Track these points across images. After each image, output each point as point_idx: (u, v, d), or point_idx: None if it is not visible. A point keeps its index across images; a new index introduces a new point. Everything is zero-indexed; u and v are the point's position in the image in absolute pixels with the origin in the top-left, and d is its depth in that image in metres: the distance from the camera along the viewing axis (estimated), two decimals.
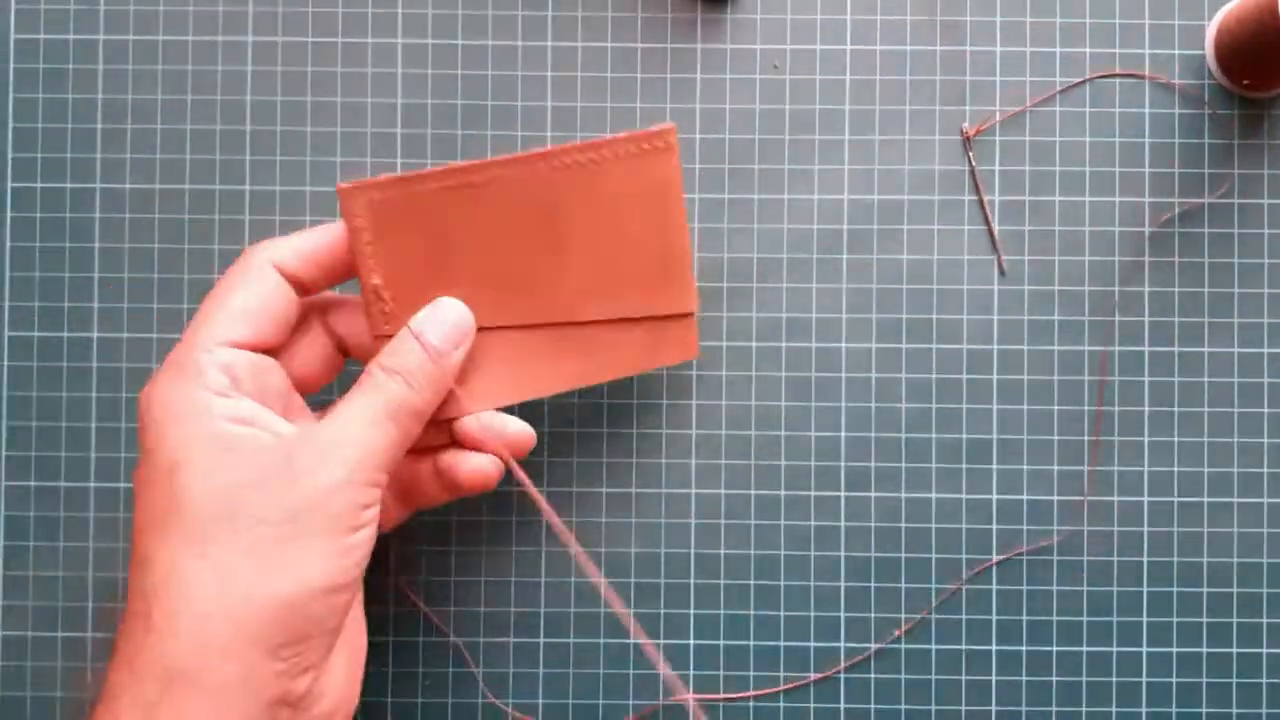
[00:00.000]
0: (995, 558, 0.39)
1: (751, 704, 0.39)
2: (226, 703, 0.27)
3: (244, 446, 0.29)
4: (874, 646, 0.39)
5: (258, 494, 0.29)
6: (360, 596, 0.34)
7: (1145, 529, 0.39)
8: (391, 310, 0.33)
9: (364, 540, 0.30)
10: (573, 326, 0.34)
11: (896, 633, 0.39)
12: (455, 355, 0.33)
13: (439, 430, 0.34)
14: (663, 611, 0.39)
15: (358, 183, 0.32)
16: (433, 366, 0.32)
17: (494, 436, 0.34)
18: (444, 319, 0.33)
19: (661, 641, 0.39)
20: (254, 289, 0.32)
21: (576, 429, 0.39)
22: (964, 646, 0.39)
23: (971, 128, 0.39)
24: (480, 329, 0.34)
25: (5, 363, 0.39)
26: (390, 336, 0.33)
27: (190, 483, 0.29)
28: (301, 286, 0.33)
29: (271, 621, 0.28)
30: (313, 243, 0.33)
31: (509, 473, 0.34)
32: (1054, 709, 0.39)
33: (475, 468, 0.34)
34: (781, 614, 0.39)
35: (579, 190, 0.33)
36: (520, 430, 0.34)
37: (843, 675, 0.39)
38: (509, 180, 0.33)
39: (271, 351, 0.32)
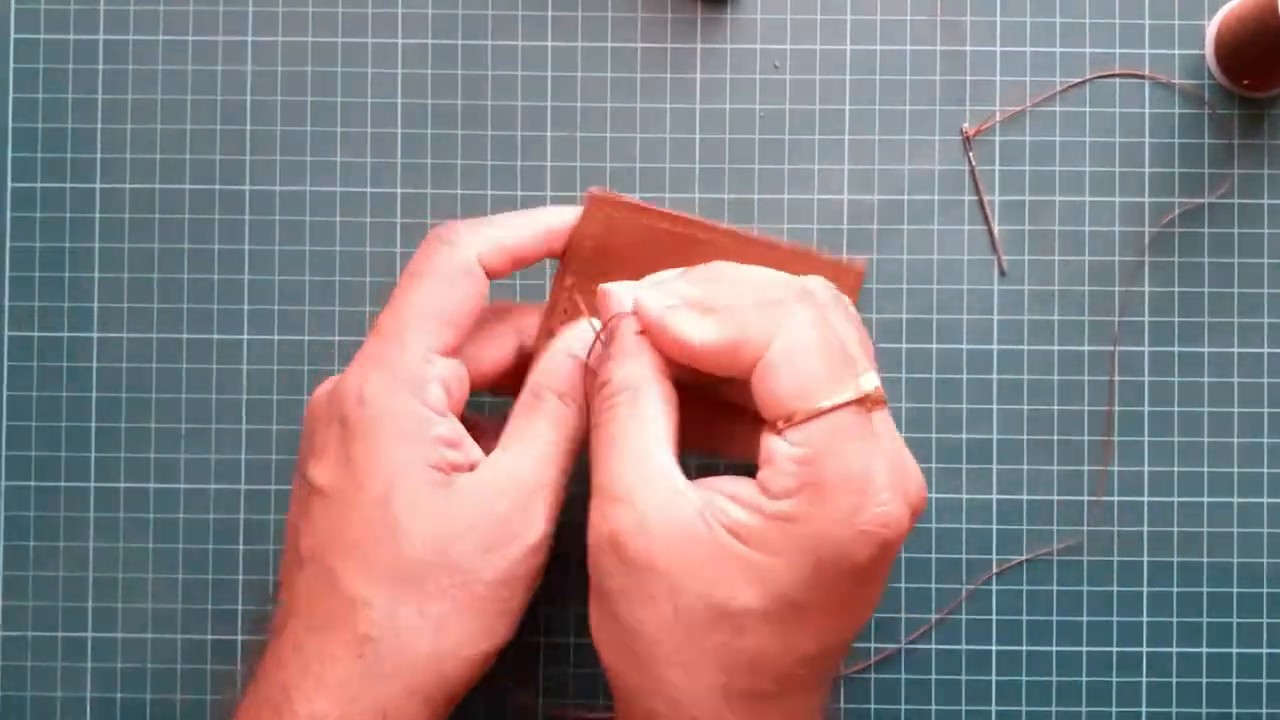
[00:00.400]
0: (1024, 556, 0.39)
1: None
2: None
3: (455, 488, 0.29)
4: (874, 647, 0.39)
5: (472, 548, 0.28)
6: None
7: (1145, 529, 0.39)
8: (568, 316, 0.33)
9: (527, 594, 0.30)
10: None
11: (912, 636, 0.39)
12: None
13: None
14: None
15: (605, 196, 0.32)
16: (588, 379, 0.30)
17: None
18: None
19: None
20: (463, 291, 0.30)
21: None
22: (964, 647, 0.39)
23: (972, 128, 0.39)
24: None
25: (5, 362, 0.39)
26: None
27: (408, 522, 0.28)
28: (495, 271, 0.31)
29: (470, 677, 0.29)
30: (516, 239, 0.31)
31: None
32: (1054, 709, 0.39)
33: None
34: None
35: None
36: None
37: (842, 676, 0.39)
38: (726, 248, 0.33)
39: (459, 353, 0.31)
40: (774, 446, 0.26)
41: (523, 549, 0.29)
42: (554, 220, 0.32)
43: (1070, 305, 0.39)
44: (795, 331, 0.27)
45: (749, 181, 0.39)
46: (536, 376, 0.30)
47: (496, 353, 0.32)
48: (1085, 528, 0.39)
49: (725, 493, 0.27)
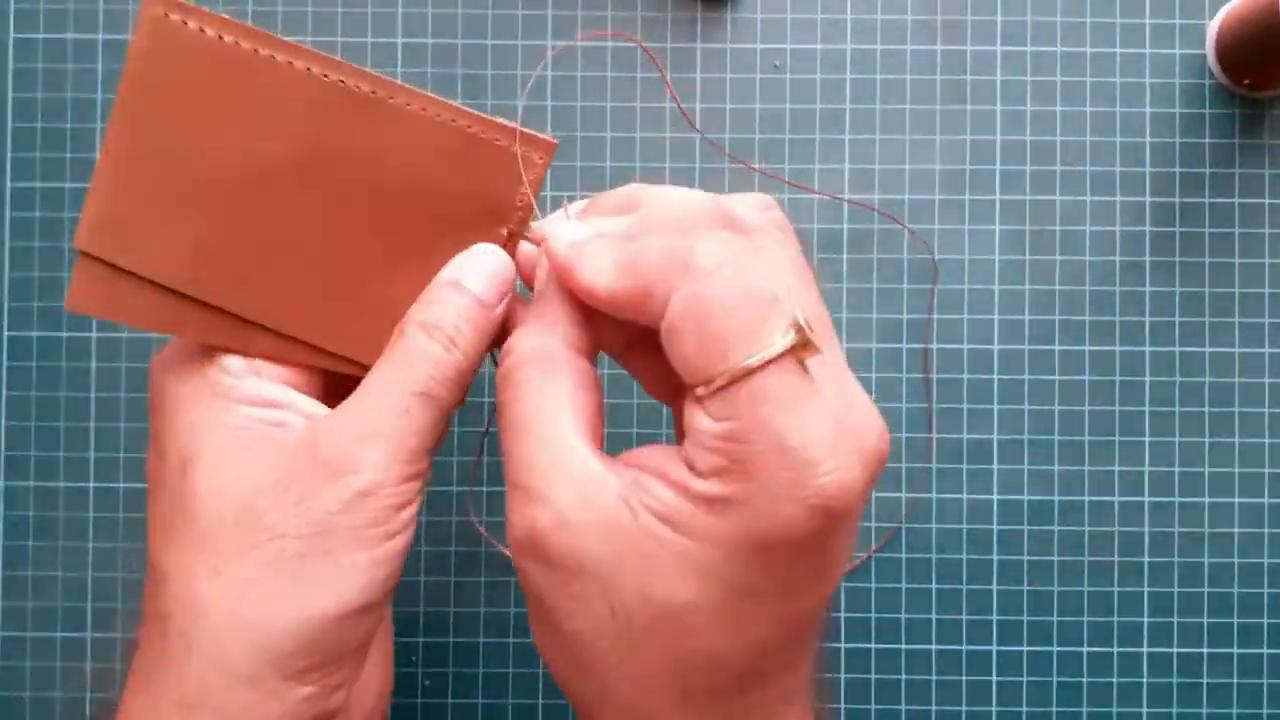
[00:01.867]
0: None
1: None
2: None
3: (264, 444, 0.26)
4: (874, 647, 0.39)
5: (279, 502, 0.25)
6: None
7: (1146, 529, 0.39)
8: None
9: (400, 547, 0.26)
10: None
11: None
12: (499, 308, 0.27)
13: None
14: None
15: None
16: (478, 315, 0.26)
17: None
18: (481, 265, 0.27)
19: None
20: None
21: None
22: (964, 647, 0.39)
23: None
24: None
25: (4, 362, 0.39)
26: None
27: (203, 486, 0.25)
28: None
29: (297, 646, 0.25)
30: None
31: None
32: (1054, 709, 0.39)
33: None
34: None
35: (397, 146, 0.27)
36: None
37: (843, 676, 0.39)
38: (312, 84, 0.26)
39: None
40: (695, 419, 0.23)
41: (342, 497, 0.25)
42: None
43: (1071, 305, 0.39)
44: (702, 277, 0.23)
45: (749, 181, 0.39)
46: (417, 307, 0.27)
47: None
48: (1086, 528, 0.39)
49: (652, 470, 0.23)
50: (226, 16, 0.26)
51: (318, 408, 0.27)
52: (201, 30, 0.26)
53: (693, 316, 0.23)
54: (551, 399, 0.25)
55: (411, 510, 0.26)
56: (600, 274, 0.24)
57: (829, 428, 0.22)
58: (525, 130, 0.27)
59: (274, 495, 0.25)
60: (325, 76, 0.26)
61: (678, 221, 0.25)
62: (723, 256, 0.23)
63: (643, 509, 0.23)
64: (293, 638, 0.25)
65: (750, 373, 0.22)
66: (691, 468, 0.23)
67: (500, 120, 0.27)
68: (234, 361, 0.27)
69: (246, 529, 0.25)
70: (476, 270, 0.27)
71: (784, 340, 0.22)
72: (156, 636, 0.25)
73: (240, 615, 0.25)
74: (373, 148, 0.26)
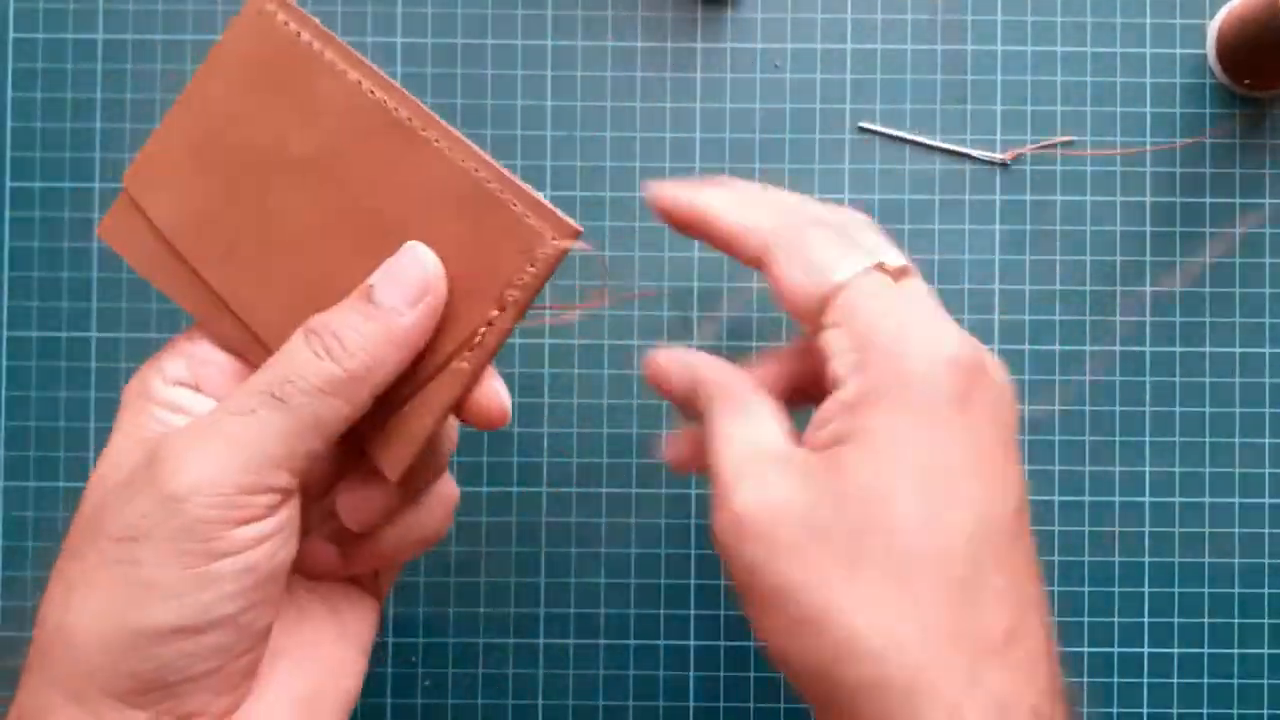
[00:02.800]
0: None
1: (752, 706, 0.39)
2: None
3: (141, 443, 0.24)
4: None
5: (115, 501, 0.23)
6: (378, 590, 0.29)
7: (1147, 529, 0.39)
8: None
9: (233, 572, 0.23)
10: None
11: None
12: (408, 316, 0.24)
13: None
14: (662, 612, 0.39)
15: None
16: (366, 324, 0.24)
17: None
18: (399, 269, 0.25)
19: (662, 642, 0.39)
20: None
21: (576, 429, 0.39)
22: None
23: (1009, 153, 0.39)
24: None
25: (4, 363, 0.39)
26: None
27: (88, 487, 0.24)
28: None
29: (111, 662, 0.22)
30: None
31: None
32: None
33: (484, 395, 0.26)
34: None
35: (418, 184, 0.26)
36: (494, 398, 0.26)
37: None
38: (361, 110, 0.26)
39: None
40: (824, 341, 0.25)
41: (151, 500, 0.22)
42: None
43: (1071, 305, 0.39)
44: (788, 229, 0.26)
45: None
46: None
47: None
48: (1087, 528, 0.39)
49: (813, 422, 0.25)
50: (316, 20, 0.27)
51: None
52: (287, 24, 0.27)
53: (793, 243, 0.26)
54: (733, 418, 0.26)
55: (255, 531, 0.23)
56: (720, 199, 0.28)
57: (937, 311, 0.25)
58: (547, 205, 0.25)
59: (116, 493, 0.23)
60: (371, 93, 0.26)
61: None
62: (812, 215, 0.27)
63: (819, 448, 0.24)
64: (105, 652, 0.22)
65: (855, 279, 0.25)
66: (836, 387, 0.24)
67: (527, 187, 0.25)
68: (173, 366, 0.26)
69: (89, 531, 0.23)
70: (391, 273, 0.25)
71: (871, 259, 0.25)
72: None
73: (63, 624, 0.23)
74: (389, 172, 0.26)
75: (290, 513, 0.24)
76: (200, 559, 0.22)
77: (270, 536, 0.23)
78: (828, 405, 0.24)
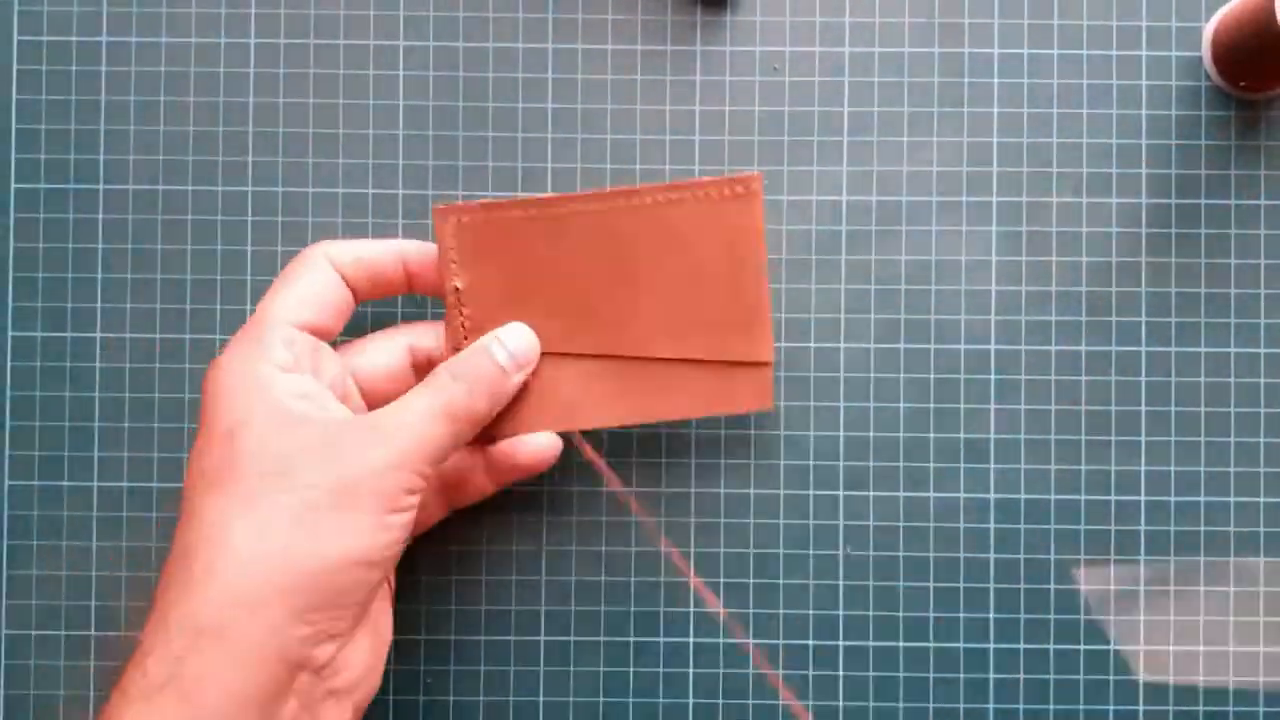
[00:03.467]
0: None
1: (750, 703, 0.39)
2: (249, 659, 0.28)
3: (303, 420, 0.31)
4: (871, 644, 0.39)
5: (311, 461, 0.30)
6: (389, 591, 0.36)
7: (1142, 528, 0.39)
8: (469, 326, 0.35)
9: (403, 524, 0.31)
10: (641, 361, 0.35)
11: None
12: (517, 377, 0.34)
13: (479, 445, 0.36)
14: (661, 610, 0.39)
15: (450, 205, 0.34)
16: (497, 379, 0.34)
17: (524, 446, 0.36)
18: (514, 341, 0.34)
19: (661, 640, 0.39)
20: (315, 278, 0.34)
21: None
22: (961, 645, 0.39)
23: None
24: (550, 354, 0.35)
25: (9, 363, 0.40)
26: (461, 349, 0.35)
27: (246, 443, 0.30)
28: (352, 289, 0.35)
29: (304, 584, 0.29)
30: (369, 253, 0.35)
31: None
32: (1051, 707, 0.39)
33: (536, 448, 0.35)
34: (780, 612, 0.39)
35: (657, 229, 0.35)
36: (546, 444, 0.36)
37: (841, 673, 0.39)
38: (589, 214, 0.34)
39: (330, 339, 0.34)
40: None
41: (374, 463, 0.30)
42: (406, 246, 0.35)
43: (1067, 306, 0.39)
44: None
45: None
46: (446, 361, 0.34)
47: (386, 357, 0.36)
48: (1082, 527, 0.39)
49: None
50: (497, 202, 0.35)
51: (340, 409, 0.33)
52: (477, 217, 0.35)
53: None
54: None
55: (415, 500, 0.31)
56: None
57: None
58: (735, 178, 0.35)
59: (308, 456, 0.30)
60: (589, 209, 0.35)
61: None
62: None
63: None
64: (301, 577, 0.29)
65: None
66: None
67: (709, 179, 0.35)
68: (281, 353, 0.32)
69: (281, 479, 0.30)
70: (507, 344, 0.34)
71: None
72: (180, 571, 0.29)
73: (261, 549, 0.29)
74: (638, 237, 0.35)
75: (418, 496, 0.32)
76: (388, 511, 0.30)
77: (415, 505, 0.32)
78: None
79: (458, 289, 0.35)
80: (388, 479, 0.30)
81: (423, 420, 0.32)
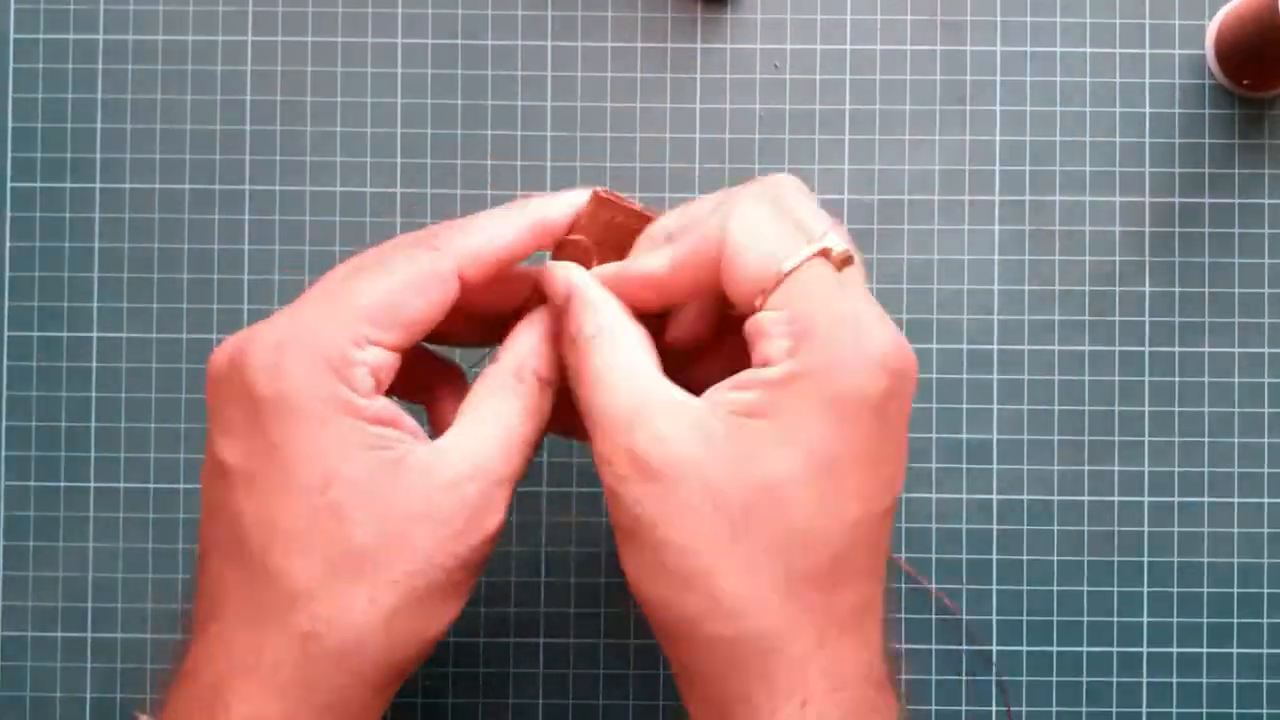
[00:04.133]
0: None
1: None
2: None
3: (408, 470, 0.26)
4: None
5: (434, 534, 0.26)
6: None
7: (1146, 529, 0.39)
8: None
9: (497, 520, 0.28)
10: None
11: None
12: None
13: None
14: None
15: (612, 197, 0.30)
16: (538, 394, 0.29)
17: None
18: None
19: None
20: (429, 299, 0.27)
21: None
22: (963, 647, 0.39)
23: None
24: None
25: (5, 362, 0.39)
26: None
27: (354, 508, 0.26)
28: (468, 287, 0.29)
29: (421, 657, 0.27)
30: (501, 245, 0.29)
31: None
32: (1054, 709, 0.39)
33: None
34: None
35: None
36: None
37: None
38: None
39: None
40: (759, 321, 0.26)
41: (483, 536, 0.27)
42: (548, 212, 0.29)
43: (1071, 305, 0.39)
44: (743, 215, 0.27)
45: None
46: (518, 352, 0.29)
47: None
48: (1086, 528, 0.39)
49: (726, 386, 0.26)
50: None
51: (416, 426, 0.28)
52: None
53: (742, 242, 0.26)
54: (626, 349, 0.27)
55: (504, 505, 0.28)
56: (654, 258, 0.28)
57: (872, 309, 0.26)
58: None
59: (428, 526, 0.26)
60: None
61: (717, 199, 0.28)
62: (757, 196, 0.28)
63: (728, 413, 0.25)
64: (419, 653, 0.27)
65: (792, 272, 0.26)
66: (765, 363, 0.25)
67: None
68: (364, 379, 0.27)
69: (403, 554, 0.26)
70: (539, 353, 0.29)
71: (816, 245, 0.26)
72: (298, 649, 0.25)
73: (389, 637, 0.26)
74: None
75: None
76: (480, 573, 0.28)
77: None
78: (747, 378, 0.26)
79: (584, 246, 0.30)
80: (494, 543, 0.27)
81: (521, 459, 0.28)
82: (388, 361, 0.27)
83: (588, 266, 0.30)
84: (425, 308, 0.27)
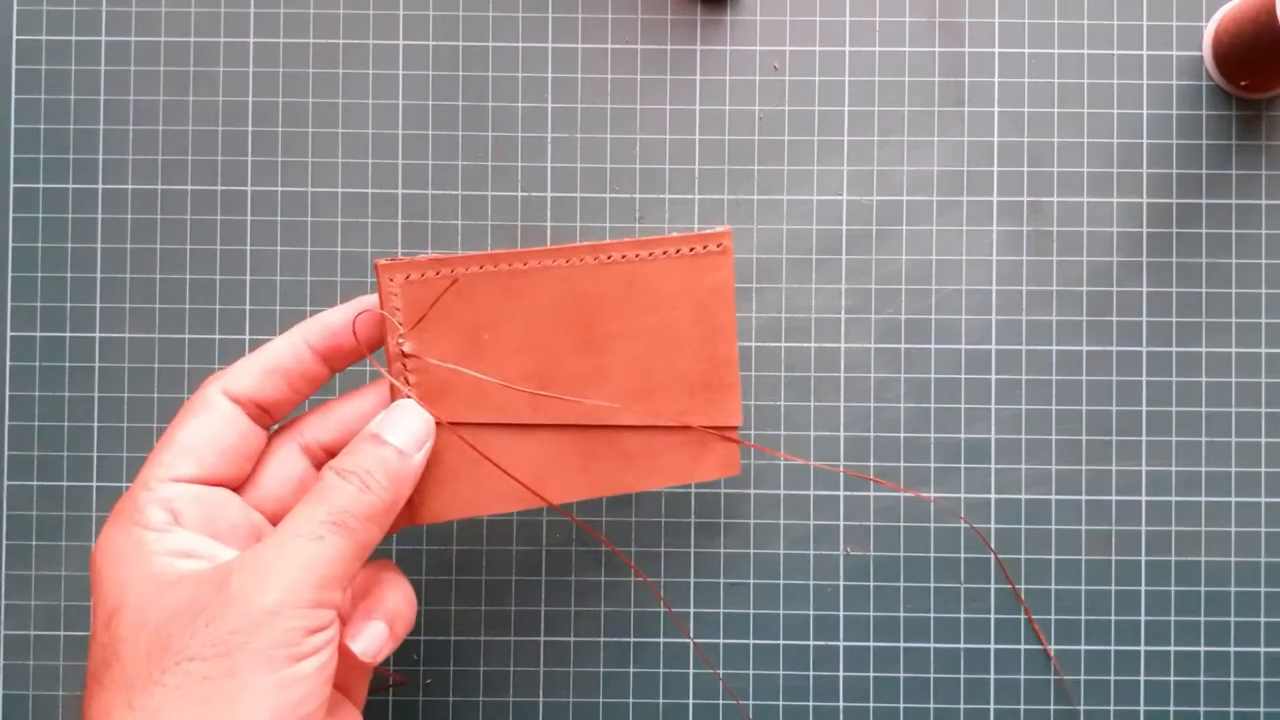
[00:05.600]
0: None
1: (751, 703, 0.39)
2: None
3: (181, 580, 0.27)
4: (872, 645, 0.39)
5: (188, 627, 0.26)
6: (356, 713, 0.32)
7: (1143, 528, 0.39)
8: (419, 395, 0.31)
9: (314, 671, 0.26)
10: (607, 430, 0.33)
11: (1045, 649, 0.39)
12: (419, 456, 0.30)
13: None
14: (662, 610, 0.39)
15: (396, 261, 0.31)
16: (393, 464, 0.29)
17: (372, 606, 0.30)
18: (403, 419, 0.30)
19: (661, 640, 0.39)
20: (201, 421, 0.29)
21: None
22: (962, 645, 0.39)
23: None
24: (508, 425, 0.32)
25: (8, 362, 0.39)
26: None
27: (123, 626, 0.26)
28: (268, 408, 0.31)
29: None
30: (273, 358, 0.31)
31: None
32: (1051, 708, 0.39)
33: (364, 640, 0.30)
34: (781, 613, 0.39)
35: (624, 287, 0.32)
36: (402, 600, 0.31)
37: (841, 674, 0.39)
38: (552, 271, 0.32)
39: (230, 483, 0.30)
40: None
41: (249, 616, 0.25)
42: (308, 330, 0.31)
43: (1068, 305, 0.39)
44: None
45: (748, 182, 0.39)
46: (338, 457, 0.29)
47: (281, 471, 0.31)
48: (1083, 527, 0.39)
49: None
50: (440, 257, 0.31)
51: (231, 554, 0.28)
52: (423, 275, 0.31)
53: None
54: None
55: (325, 636, 0.27)
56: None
57: None
58: (706, 232, 0.33)
59: (184, 620, 0.26)
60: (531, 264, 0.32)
61: None
62: None
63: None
64: None
65: None
66: None
67: (678, 236, 0.33)
68: (155, 515, 0.28)
69: (158, 657, 0.26)
70: (397, 425, 0.30)
71: None
72: None
73: None
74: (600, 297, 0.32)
75: (337, 623, 0.28)
76: (286, 663, 0.26)
77: (331, 641, 0.27)
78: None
79: (405, 354, 0.31)
80: (277, 625, 0.26)
81: (309, 541, 0.27)
82: (186, 493, 0.29)
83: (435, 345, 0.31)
84: (197, 429, 0.29)
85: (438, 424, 0.31)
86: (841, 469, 0.39)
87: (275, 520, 0.31)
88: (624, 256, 0.32)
